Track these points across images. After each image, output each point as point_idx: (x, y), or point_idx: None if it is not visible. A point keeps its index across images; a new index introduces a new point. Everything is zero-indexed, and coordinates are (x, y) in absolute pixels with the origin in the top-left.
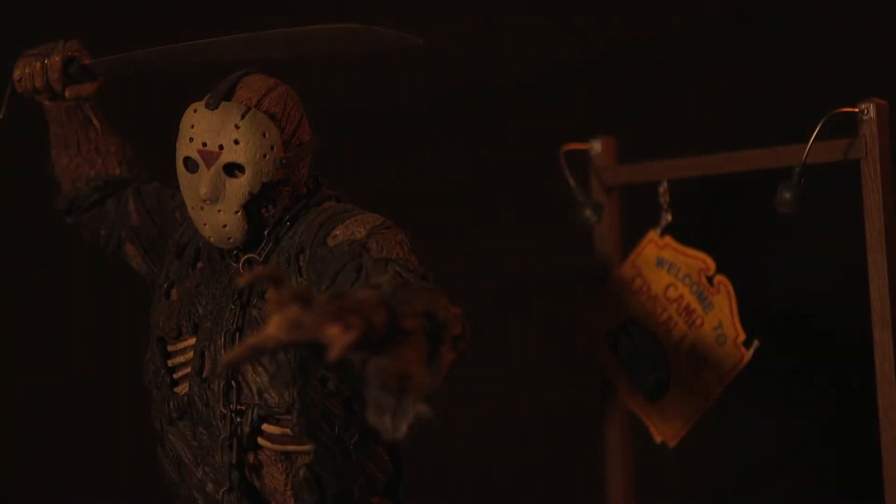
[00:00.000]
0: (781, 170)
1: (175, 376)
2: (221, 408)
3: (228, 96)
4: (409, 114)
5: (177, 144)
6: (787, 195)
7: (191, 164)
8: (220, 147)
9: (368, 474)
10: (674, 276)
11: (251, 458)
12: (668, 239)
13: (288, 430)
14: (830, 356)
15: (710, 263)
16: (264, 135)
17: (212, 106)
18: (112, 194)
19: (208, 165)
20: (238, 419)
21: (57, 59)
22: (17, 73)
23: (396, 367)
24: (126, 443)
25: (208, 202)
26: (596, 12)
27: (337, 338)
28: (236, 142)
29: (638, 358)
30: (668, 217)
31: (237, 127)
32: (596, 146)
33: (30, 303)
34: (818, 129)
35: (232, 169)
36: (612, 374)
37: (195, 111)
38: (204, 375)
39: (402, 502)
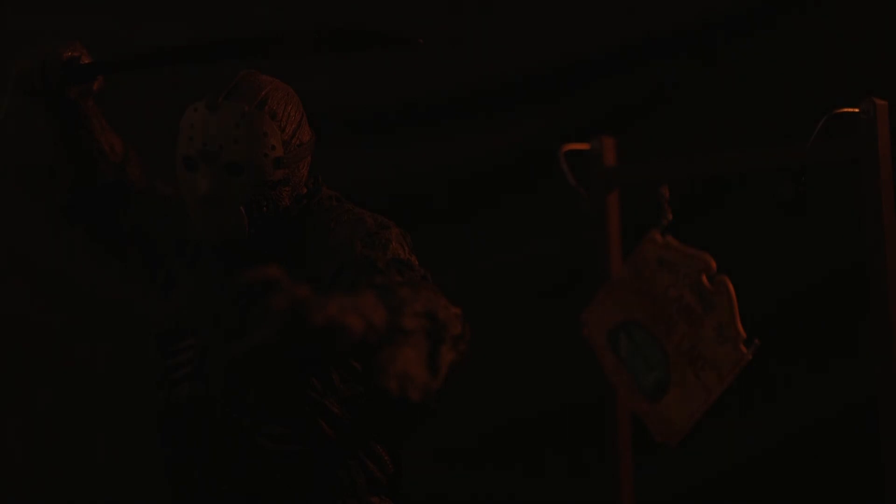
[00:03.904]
0: (781, 170)
1: (175, 376)
2: (221, 407)
3: (229, 96)
4: (408, 113)
5: (177, 144)
6: (788, 195)
7: (191, 164)
8: (220, 147)
9: (368, 474)
10: (674, 275)
11: (251, 456)
12: (668, 239)
13: (287, 430)
14: (830, 356)
15: (711, 263)
16: (264, 134)
17: (212, 105)
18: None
19: (208, 165)
20: (238, 418)
21: (57, 59)
22: (16, 73)
23: (397, 368)
24: (121, 442)
25: (208, 202)
26: (596, 12)
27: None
28: (236, 141)
29: (638, 358)
30: (669, 217)
31: (237, 126)
32: (596, 146)
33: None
34: (818, 129)
35: (232, 168)
36: (612, 374)
37: (195, 110)
38: (204, 375)
39: (402, 502)
